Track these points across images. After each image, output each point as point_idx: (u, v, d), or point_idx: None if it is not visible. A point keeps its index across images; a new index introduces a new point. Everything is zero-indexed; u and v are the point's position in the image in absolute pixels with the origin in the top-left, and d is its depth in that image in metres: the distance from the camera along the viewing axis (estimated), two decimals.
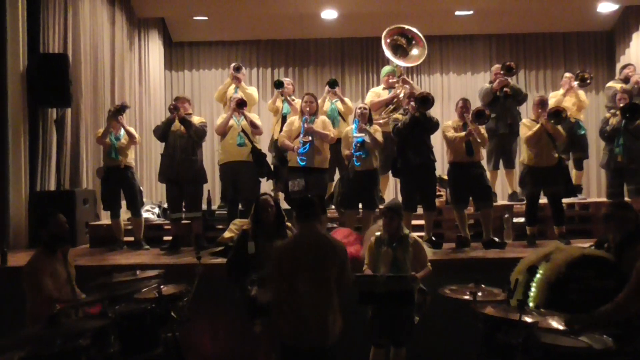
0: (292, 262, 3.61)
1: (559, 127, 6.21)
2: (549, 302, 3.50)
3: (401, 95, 7.01)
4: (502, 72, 7.39)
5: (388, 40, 7.20)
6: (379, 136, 6.14)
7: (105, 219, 7.59)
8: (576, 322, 3.16)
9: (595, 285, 3.55)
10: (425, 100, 6.05)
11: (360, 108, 6.21)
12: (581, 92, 7.60)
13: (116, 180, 6.60)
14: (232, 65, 7.68)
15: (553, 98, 7.59)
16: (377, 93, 7.34)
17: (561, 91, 7.76)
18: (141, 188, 6.83)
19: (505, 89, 7.30)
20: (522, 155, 6.46)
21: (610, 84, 7.82)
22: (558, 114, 6.08)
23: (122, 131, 6.63)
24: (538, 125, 6.11)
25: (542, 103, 6.35)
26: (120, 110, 6.64)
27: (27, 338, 3.10)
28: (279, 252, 3.74)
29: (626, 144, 6.49)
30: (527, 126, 6.28)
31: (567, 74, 7.84)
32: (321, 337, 3.53)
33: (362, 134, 6.00)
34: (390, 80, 7.30)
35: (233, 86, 7.48)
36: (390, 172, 6.72)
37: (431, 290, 4.18)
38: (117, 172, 6.57)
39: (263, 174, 6.56)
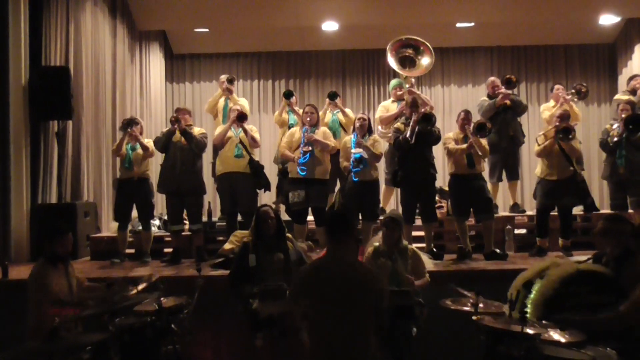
0: (315, 291, 3.03)
1: (574, 144, 6.20)
2: (545, 319, 3.47)
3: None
4: (502, 85, 7.34)
5: (394, 53, 7.12)
6: (378, 147, 6.15)
7: (106, 231, 7.60)
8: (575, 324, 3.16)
9: (592, 301, 3.49)
10: (428, 119, 6.04)
11: (359, 119, 6.22)
12: (574, 105, 7.56)
13: (129, 193, 6.57)
14: (226, 76, 7.69)
15: (546, 111, 7.50)
16: (386, 107, 7.31)
17: (552, 103, 7.67)
18: (153, 201, 6.80)
19: (505, 101, 7.27)
20: (537, 167, 6.47)
21: (617, 96, 7.75)
22: (566, 131, 6.08)
23: (138, 143, 6.59)
24: (548, 140, 6.13)
25: (561, 117, 6.32)
26: (128, 124, 6.62)
27: (28, 351, 3.09)
28: (301, 278, 3.22)
29: (628, 155, 6.45)
30: (537, 142, 6.32)
31: (558, 86, 7.76)
32: None
33: (360, 150, 5.99)
34: (399, 93, 7.26)
35: (223, 98, 7.51)
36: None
37: (432, 302, 4.15)
38: (130, 184, 6.55)
39: (260, 186, 6.54)
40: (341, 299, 2.95)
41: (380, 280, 3.17)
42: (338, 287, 2.97)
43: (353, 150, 6.03)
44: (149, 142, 6.70)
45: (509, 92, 7.29)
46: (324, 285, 3.01)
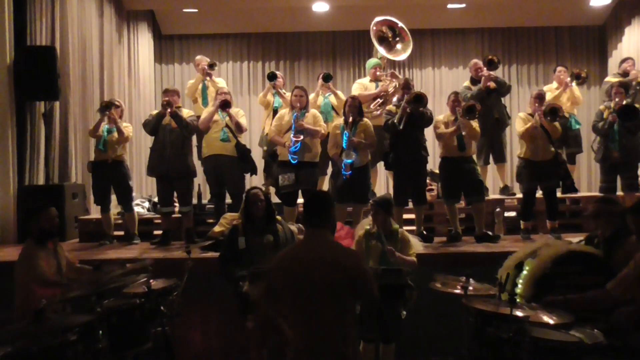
0: (290, 282, 2.77)
1: (555, 123, 6.20)
2: (535, 298, 3.48)
3: (390, 90, 6.96)
4: (485, 66, 7.25)
5: (375, 29, 7.15)
6: (370, 132, 6.11)
7: (95, 213, 7.55)
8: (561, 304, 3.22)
9: (582, 281, 3.52)
10: (419, 100, 6.00)
11: (351, 97, 6.19)
12: (576, 88, 7.55)
13: (105, 175, 6.51)
14: (204, 59, 7.66)
15: (549, 92, 7.47)
16: (364, 85, 7.24)
17: (554, 85, 7.65)
18: (130, 183, 6.72)
19: (488, 84, 7.17)
20: (519, 149, 6.46)
21: (608, 78, 7.75)
22: (554, 111, 6.07)
23: (115, 126, 6.51)
24: (531, 122, 6.12)
25: (539, 97, 6.33)
26: (106, 107, 6.51)
27: (14, 333, 3.07)
28: (274, 268, 2.89)
29: (621, 139, 6.46)
30: (523, 119, 6.28)
31: (560, 68, 7.74)
32: None
33: (352, 157, 5.90)
34: (378, 73, 7.19)
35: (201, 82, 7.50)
36: (379, 165, 6.70)
37: (421, 285, 4.16)
38: (105, 166, 6.48)
39: (247, 170, 6.49)
40: (320, 286, 2.68)
41: (363, 263, 2.92)
42: (316, 273, 2.70)
43: (344, 156, 5.91)
44: (127, 127, 6.63)
45: (492, 73, 7.19)
46: (300, 271, 2.74)
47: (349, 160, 5.91)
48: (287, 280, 2.77)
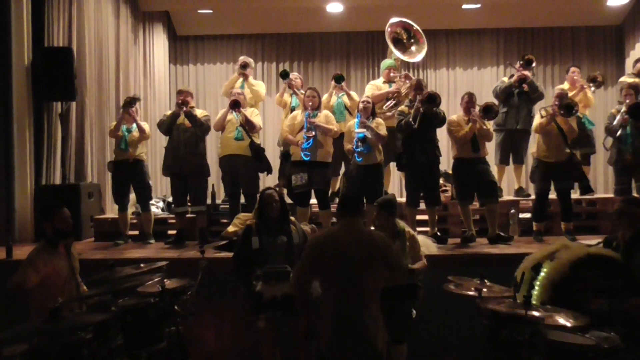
0: (329, 259, 3.20)
1: (572, 123, 6.14)
2: (552, 301, 3.44)
3: (403, 92, 6.93)
4: (520, 64, 7.24)
5: (389, 30, 7.13)
6: (382, 130, 6.10)
7: (110, 212, 7.61)
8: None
9: (601, 285, 3.49)
10: (432, 99, 5.98)
11: (363, 102, 6.19)
12: (588, 91, 7.46)
13: (125, 175, 6.57)
14: (240, 62, 7.61)
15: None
16: (377, 86, 7.22)
17: (566, 85, 7.59)
18: (150, 183, 6.77)
19: (523, 85, 7.13)
20: (534, 148, 6.39)
21: (622, 79, 7.67)
22: (569, 107, 6.01)
23: (135, 124, 6.59)
24: (545, 119, 6.06)
25: (559, 96, 6.25)
26: (130, 102, 6.59)
27: (30, 331, 3.10)
28: (314, 244, 3.36)
29: (634, 141, 6.39)
30: (541, 115, 6.25)
31: (574, 68, 7.67)
32: (366, 352, 3.08)
33: (363, 130, 5.96)
34: (391, 75, 7.18)
35: (240, 80, 7.42)
36: (392, 165, 6.68)
37: (435, 286, 4.14)
38: (125, 166, 6.54)
39: (262, 169, 6.49)
40: (357, 262, 3.13)
41: (391, 242, 3.47)
42: (354, 252, 3.16)
43: (356, 130, 5.98)
44: (145, 125, 6.67)
45: (524, 72, 7.16)
46: (338, 249, 3.20)
47: (361, 135, 5.93)
48: (326, 257, 3.21)
